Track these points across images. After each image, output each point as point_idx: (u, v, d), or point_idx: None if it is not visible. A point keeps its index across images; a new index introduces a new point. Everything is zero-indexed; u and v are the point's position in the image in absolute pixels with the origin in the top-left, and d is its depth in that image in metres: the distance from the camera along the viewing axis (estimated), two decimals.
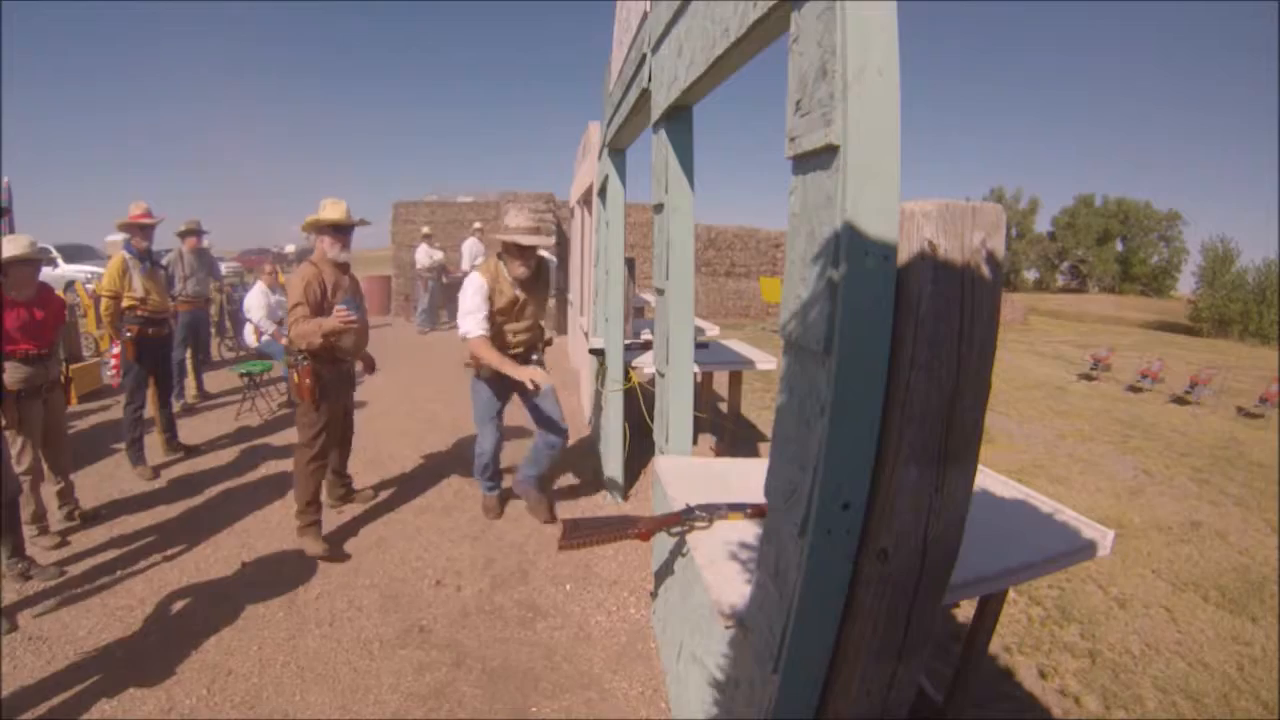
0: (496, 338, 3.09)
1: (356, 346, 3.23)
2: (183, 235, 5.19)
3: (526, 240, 2.96)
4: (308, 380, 2.95)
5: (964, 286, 0.97)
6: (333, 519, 3.43)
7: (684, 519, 1.64)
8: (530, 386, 2.91)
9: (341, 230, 3.10)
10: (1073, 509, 1.79)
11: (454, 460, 4.34)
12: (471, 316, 2.96)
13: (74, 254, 13.43)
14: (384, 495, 3.77)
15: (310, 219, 3.08)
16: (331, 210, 3.05)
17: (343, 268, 3.17)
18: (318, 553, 3.02)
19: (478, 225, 10.13)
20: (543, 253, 3.25)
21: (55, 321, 3.07)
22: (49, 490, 3.13)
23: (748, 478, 2.12)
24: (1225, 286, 25.06)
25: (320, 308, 2.96)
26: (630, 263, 4.29)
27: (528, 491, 3.43)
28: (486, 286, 2.99)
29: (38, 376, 2.93)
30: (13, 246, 2.89)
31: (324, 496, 3.32)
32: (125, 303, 3.86)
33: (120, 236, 4.14)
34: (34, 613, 2.48)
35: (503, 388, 3.21)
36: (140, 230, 3.99)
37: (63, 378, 3.14)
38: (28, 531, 2.92)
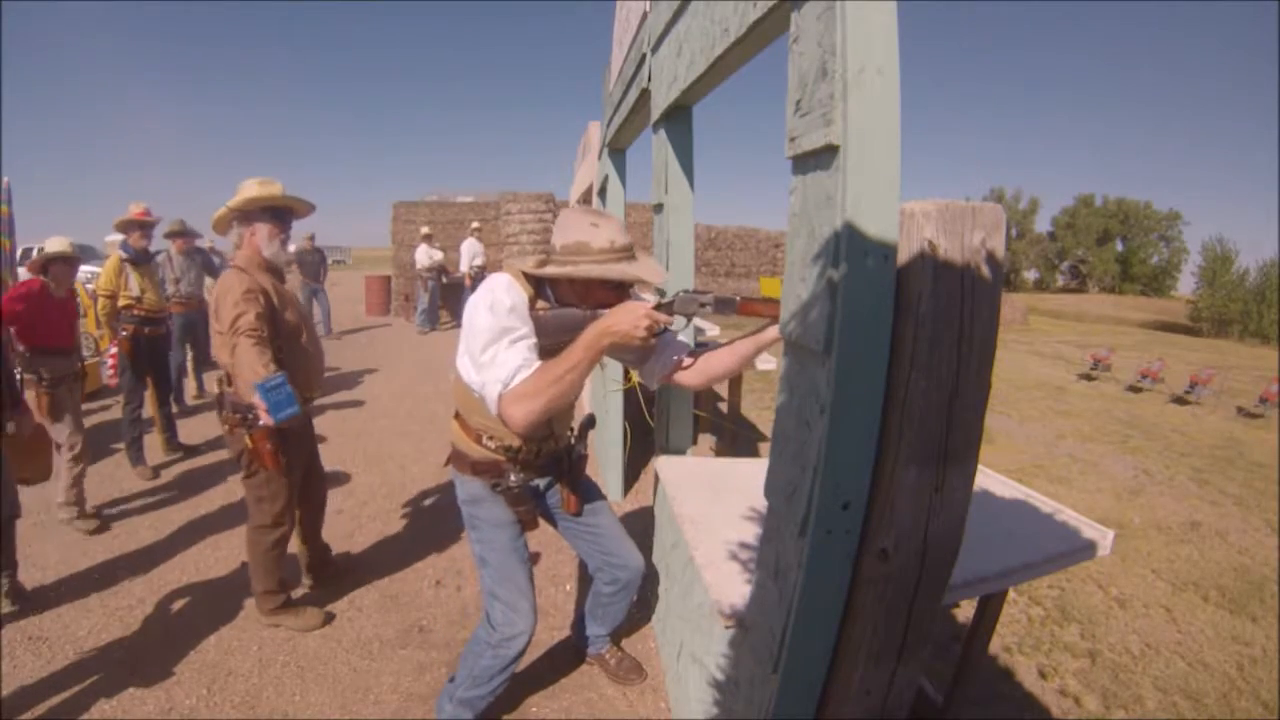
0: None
1: (314, 377, 2.42)
2: (170, 237, 5.08)
3: (626, 273, 1.50)
4: (268, 444, 2.10)
5: (964, 286, 0.98)
6: (327, 523, 3.42)
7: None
8: (645, 331, 1.41)
9: (281, 215, 2.24)
10: (1073, 509, 1.79)
11: None
12: (517, 347, 1.45)
13: None
14: (384, 495, 3.77)
15: (235, 201, 2.19)
16: (264, 186, 2.21)
17: (278, 274, 2.30)
18: (303, 626, 2.43)
19: (475, 225, 10.04)
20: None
21: (74, 317, 3.34)
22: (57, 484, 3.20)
23: (748, 478, 2.12)
24: (1225, 286, 25.09)
25: (275, 330, 2.15)
26: None
27: (605, 660, 2.25)
28: (528, 302, 1.54)
29: (66, 367, 3.17)
30: (55, 245, 3.17)
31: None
32: (121, 302, 3.87)
33: (119, 237, 4.14)
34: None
35: (534, 498, 1.81)
36: (140, 228, 3.99)
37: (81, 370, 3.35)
38: (67, 513, 3.18)
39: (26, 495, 3.59)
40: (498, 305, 1.47)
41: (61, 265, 3.16)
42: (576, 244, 1.51)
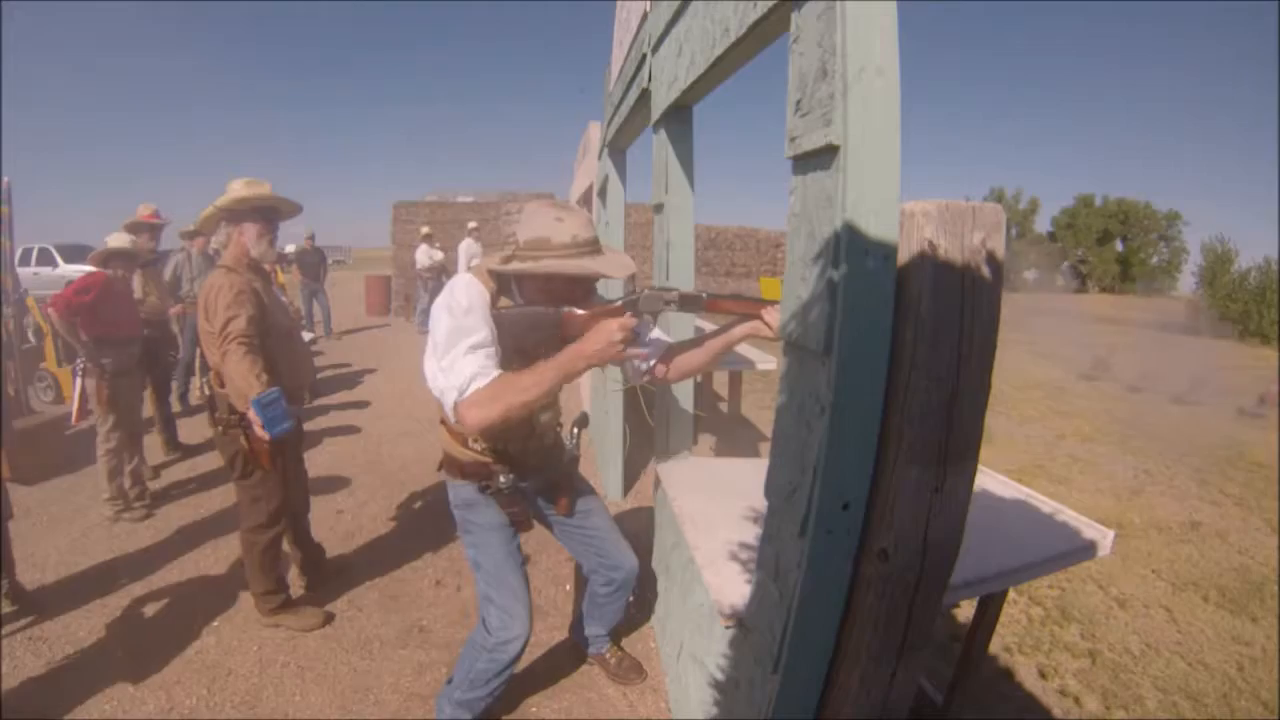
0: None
1: (304, 379, 2.42)
2: (190, 236, 5.08)
3: (590, 269, 1.46)
4: (265, 444, 2.09)
5: (964, 286, 0.97)
6: (327, 523, 3.43)
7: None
8: (619, 343, 1.38)
9: (269, 215, 2.25)
10: (1073, 509, 1.79)
11: None
12: (475, 354, 1.40)
13: (74, 254, 13.42)
14: (384, 495, 3.77)
15: (223, 201, 2.19)
16: (252, 186, 2.21)
17: (263, 274, 2.29)
18: (303, 626, 2.43)
19: (473, 225, 9.80)
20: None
21: (136, 308, 3.56)
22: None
23: (748, 478, 2.12)
24: (1225, 286, 25.03)
25: (265, 332, 2.16)
26: None
27: (605, 660, 2.25)
28: (488, 300, 1.50)
29: (130, 358, 3.33)
30: (116, 241, 3.38)
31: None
32: None
33: (125, 236, 4.13)
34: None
35: (525, 499, 1.79)
36: (149, 230, 4.01)
37: None
38: (111, 509, 3.30)
39: (29, 496, 3.61)
40: (454, 307, 1.44)
41: (123, 259, 3.39)
42: (539, 239, 1.45)
